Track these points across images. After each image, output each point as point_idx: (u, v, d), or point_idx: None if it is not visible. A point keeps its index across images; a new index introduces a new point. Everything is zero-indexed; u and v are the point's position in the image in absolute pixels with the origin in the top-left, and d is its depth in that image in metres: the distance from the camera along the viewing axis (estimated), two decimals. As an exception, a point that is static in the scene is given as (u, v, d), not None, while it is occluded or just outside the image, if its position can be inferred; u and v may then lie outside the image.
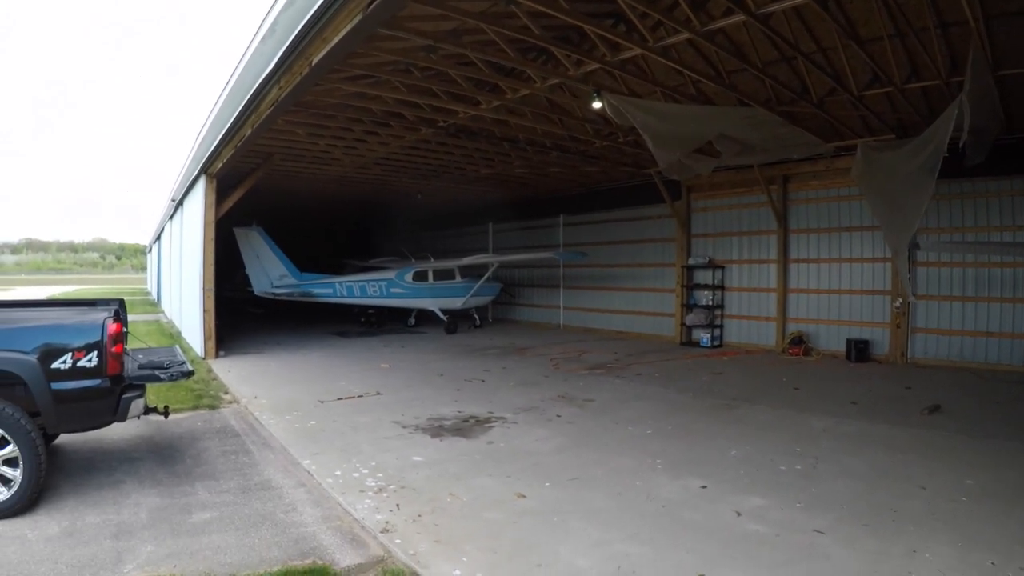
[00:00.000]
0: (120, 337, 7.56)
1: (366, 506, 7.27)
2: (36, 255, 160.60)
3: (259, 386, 14.44)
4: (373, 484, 8.02)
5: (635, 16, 11.32)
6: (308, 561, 5.92)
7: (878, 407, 12.50)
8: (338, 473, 8.44)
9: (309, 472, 8.55)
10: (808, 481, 8.17)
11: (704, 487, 7.95)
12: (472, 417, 11.64)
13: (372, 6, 8.07)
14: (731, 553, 6.12)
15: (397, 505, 7.28)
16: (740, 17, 11.00)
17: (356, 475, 8.38)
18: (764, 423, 11.29)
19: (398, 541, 6.33)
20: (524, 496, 7.62)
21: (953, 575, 5.64)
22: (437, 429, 10.76)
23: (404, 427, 10.88)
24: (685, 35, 11.63)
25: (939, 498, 7.51)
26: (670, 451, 9.54)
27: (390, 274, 26.80)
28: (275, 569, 5.74)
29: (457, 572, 5.72)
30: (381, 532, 6.54)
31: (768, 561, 5.96)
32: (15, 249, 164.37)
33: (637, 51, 12.38)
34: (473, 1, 11.24)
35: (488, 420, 11.43)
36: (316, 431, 10.67)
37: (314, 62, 9.97)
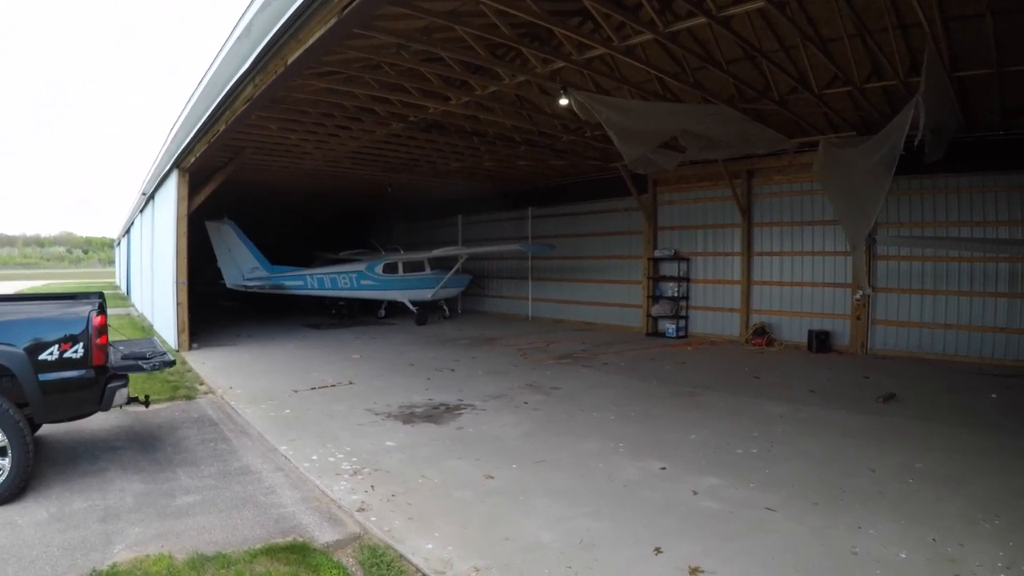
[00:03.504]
0: (104, 329, 7.84)
1: (342, 488, 7.61)
2: (2, 250, 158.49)
3: (234, 377, 14.67)
4: (348, 468, 8.36)
5: (600, 16, 11.65)
6: (289, 538, 6.24)
7: (835, 395, 12.87)
8: (314, 458, 8.77)
9: (286, 457, 8.86)
10: (763, 463, 8.55)
11: (663, 468, 8.32)
12: (442, 404, 11.98)
13: (346, 10, 8.34)
14: (685, 528, 6.48)
15: (372, 486, 7.63)
16: (702, 19, 11.26)
17: (332, 459, 8.71)
18: (724, 409, 11.67)
19: (373, 519, 6.67)
20: (492, 477, 7.99)
21: (894, 549, 5.95)
22: (409, 416, 11.10)
23: (377, 414, 11.21)
24: (649, 36, 11.87)
25: (887, 479, 7.85)
26: (632, 435, 9.91)
27: (360, 266, 26.91)
28: (258, 546, 6.05)
29: (429, 546, 6.06)
30: (357, 511, 6.88)
31: (720, 534, 6.33)
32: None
33: (602, 50, 12.65)
34: (442, 1, 11.51)
35: (458, 407, 11.76)
36: (292, 419, 10.97)
37: (289, 62, 10.20)
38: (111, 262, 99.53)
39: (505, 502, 7.23)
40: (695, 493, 7.45)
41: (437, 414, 11.30)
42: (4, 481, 7.06)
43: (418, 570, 5.70)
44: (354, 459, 8.73)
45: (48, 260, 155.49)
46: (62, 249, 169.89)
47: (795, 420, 10.83)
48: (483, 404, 12.04)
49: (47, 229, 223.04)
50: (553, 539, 6.23)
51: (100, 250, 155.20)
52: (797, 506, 7.02)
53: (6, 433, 7.05)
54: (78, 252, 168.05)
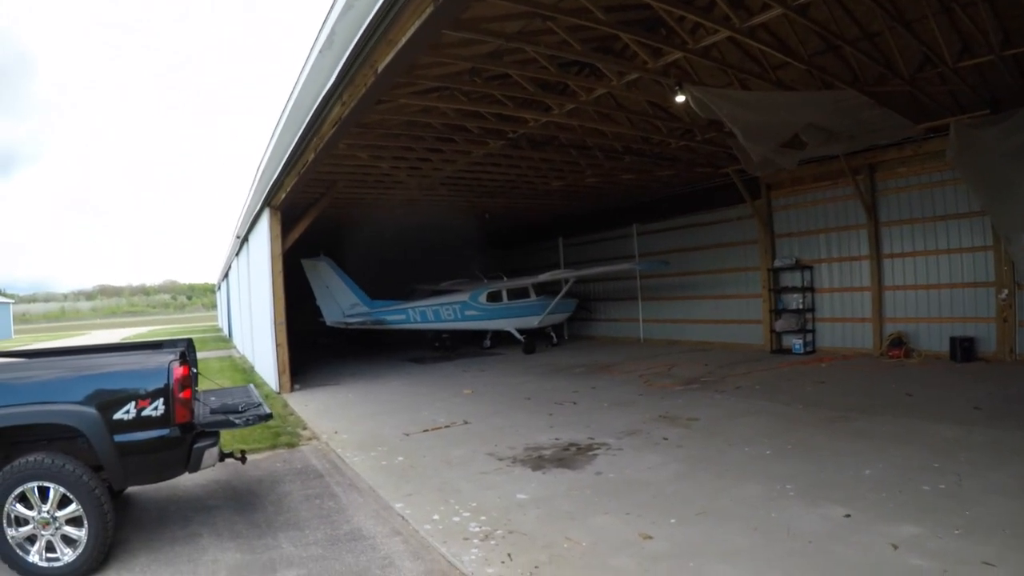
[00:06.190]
0: (188, 381, 6.94)
1: (473, 557, 6.45)
2: (110, 300, 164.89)
3: (339, 420, 13.86)
4: (477, 529, 7.21)
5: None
6: (416, 632, 5.14)
7: (1006, 412, 11.37)
8: (436, 517, 7.66)
9: (403, 517, 7.77)
10: (957, 502, 7.22)
11: (848, 515, 7.02)
12: (572, 444, 10.79)
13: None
14: (903, 597, 5.20)
15: (509, 555, 6.44)
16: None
17: (457, 519, 7.58)
18: (888, 436, 10.27)
19: (517, 602, 5.49)
20: (650, 537, 6.72)
21: None
22: (537, 460, 9.94)
23: (501, 459, 10.09)
24: (778, 11, 10.75)
25: (1112, 516, 6.59)
26: (797, 474, 8.61)
27: (464, 296, 26.26)
28: (378, 644, 4.97)
29: (593, 640, 4.88)
30: (496, 591, 5.70)
31: (945, 603, 5.04)
32: (89, 295, 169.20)
33: (724, 33, 11.47)
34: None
35: (590, 447, 10.56)
36: (406, 468, 9.93)
37: (380, 69, 9.21)
38: (214, 306, 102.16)
39: (675, 571, 5.96)
40: (895, 547, 6.14)
41: (569, 456, 10.10)
42: (81, 555, 6.31)
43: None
44: (482, 518, 7.57)
45: (154, 307, 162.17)
46: (167, 296, 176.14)
47: (973, 445, 9.41)
48: (618, 442, 10.79)
49: (152, 278, 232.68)
50: (745, 622, 4.99)
51: (203, 295, 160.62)
52: (1018, 558, 5.74)
53: (80, 502, 6.27)
54: (182, 298, 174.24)
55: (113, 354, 8.04)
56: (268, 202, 18.25)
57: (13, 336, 68.84)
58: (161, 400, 6.68)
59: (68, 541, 6.34)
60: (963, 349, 17.05)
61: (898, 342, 18.61)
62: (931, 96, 15.04)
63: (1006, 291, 16.44)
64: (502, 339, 27.52)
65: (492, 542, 6.82)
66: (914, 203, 18.71)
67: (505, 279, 28.03)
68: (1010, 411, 11.38)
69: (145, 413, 6.61)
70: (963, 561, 5.75)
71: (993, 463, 8.48)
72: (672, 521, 7.17)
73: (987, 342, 17.17)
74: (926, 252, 18.50)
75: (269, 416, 7.98)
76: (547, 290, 27.07)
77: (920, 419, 11.19)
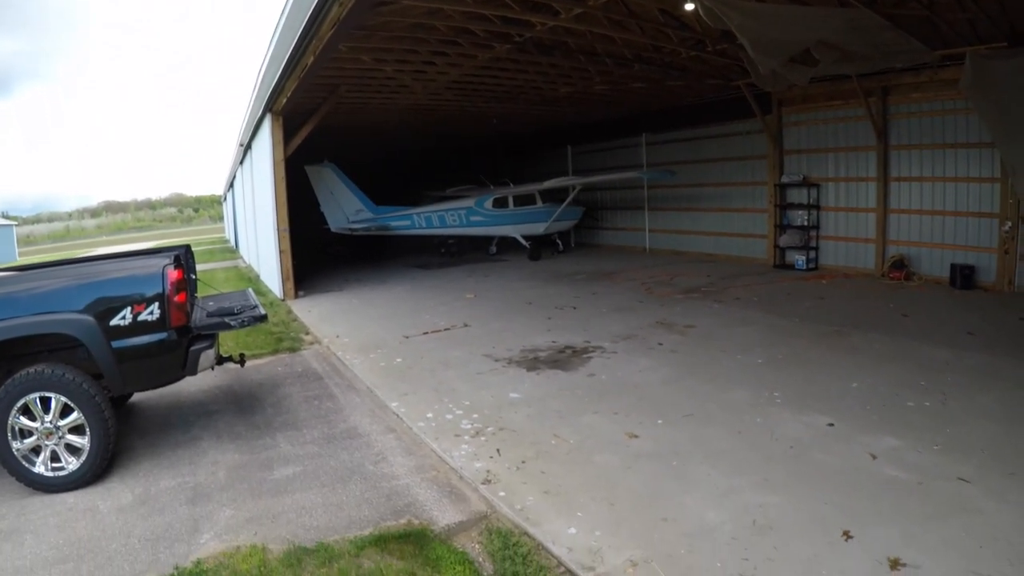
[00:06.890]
0: (183, 285, 7.05)
1: (463, 453, 6.71)
2: (116, 216, 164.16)
3: (341, 325, 14.06)
4: (469, 427, 7.46)
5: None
6: (403, 521, 5.37)
7: (998, 339, 11.31)
8: (430, 415, 7.91)
9: (398, 415, 8.04)
10: (940, 420, 7.34)
11: (831, 425, 7.21)
12: (568, 347, 11.02)
13: None
14: (874, 505, 5.42)
15: (497, 450, 6.69)
16: None
17: (450, 417, 7.83)
18: (881, 353, 10.37)
19: (502, 494, 5.75)
20: (636, 436, 6.96)
21: None
22: (532, 362, 10.20)
23: (497, 360, 10.34)
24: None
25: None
26: (787, 382, 8.77)
27: (469, 202, 26.09)
28: (367, 532, 5.21)
29: (572, 530, 5.10)
30: (482, 483, 5.96)
31: (915, 514, 5.25)
32: (95, 213, 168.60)
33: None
34: None
35: (586, 350, 10.79)
36: (403, 369, 10.18)
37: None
38: (221, 218, 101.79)
39: (657, 469, 6.19)
40: (874, 457, 6.33)
41: (564, 359, 10.34)
42: (85, 462, 6.51)
43: (560, 564, 4.73)
44: (475, 416, 7.81)
45: (160, 221, 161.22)
46: (173, 210, 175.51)
47: (962, 368, 9.44)
48: (613, 346, 11.01)
49: (158, 192, 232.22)
50: (720, 520, 5.21)
51: (210, 207, 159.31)
52: (993, 478, 5.86)
53: (82, 410, 6.44)
54: (189, 211, 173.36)
55: (107, 262, 8.09)
56: (269, 108, 18.10)
57: (18, 259, 68.56)
58: (156, 304, 6.80)
59: (72, 450, 6.52)
60: (963, 276, 16.86)
61: (899, 264, 18.49)
62: (949, 23, 14.59)
63: (1009, 223, 16.20)
64: (508, 245, 27.49)
65: (482, 439, 7.05)
66: (924, 129, 18.33)
67: (511, 185, 27.88)
68: (1002, 339, 11.35)
69: (141, 318, 6.74)
70: (939, 476, 5.90)
71: (979, 386, 8.55)
72: (659, 422, 7.37)
73: (987, 272, 16.95)
74: (933, 178, 18.21)
75: (264, 317, 8.09)
76: (553, 197, 26.91)
77: (913, 339, 11.22)
